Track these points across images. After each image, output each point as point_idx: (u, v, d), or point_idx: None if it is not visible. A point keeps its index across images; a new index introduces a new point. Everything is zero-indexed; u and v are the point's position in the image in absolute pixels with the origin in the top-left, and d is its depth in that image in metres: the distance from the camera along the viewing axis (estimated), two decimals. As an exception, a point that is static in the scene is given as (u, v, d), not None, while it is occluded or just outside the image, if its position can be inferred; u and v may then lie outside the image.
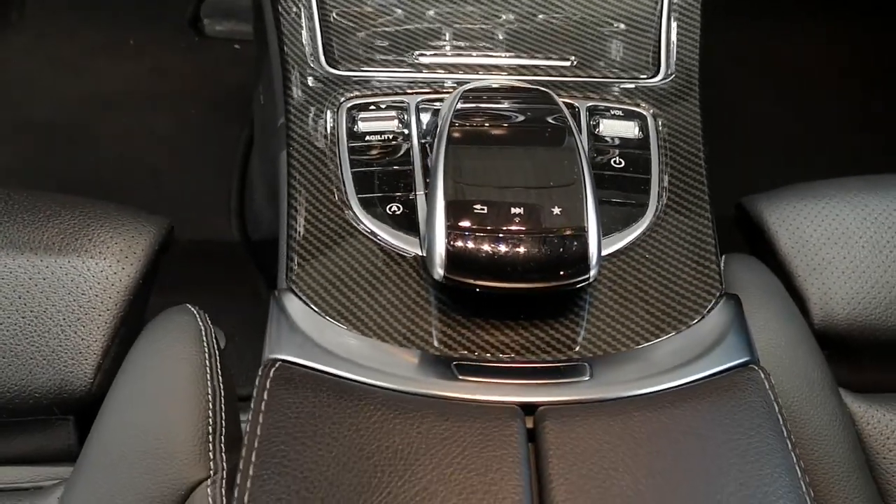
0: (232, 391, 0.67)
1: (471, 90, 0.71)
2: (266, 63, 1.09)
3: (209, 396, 0.64)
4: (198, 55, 1.56)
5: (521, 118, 0.69)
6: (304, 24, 0.80)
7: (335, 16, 0.80)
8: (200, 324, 0.70)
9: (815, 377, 0.72)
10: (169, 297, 0.78)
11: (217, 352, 0.68)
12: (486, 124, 0.68)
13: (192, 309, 0.72)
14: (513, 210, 0.61)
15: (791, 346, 0.73)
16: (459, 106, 0.68)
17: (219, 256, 1.33)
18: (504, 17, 0.80)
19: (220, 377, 0.66)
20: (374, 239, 0.67)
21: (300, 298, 0.64)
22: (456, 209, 0.61)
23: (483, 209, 0.61)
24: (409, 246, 0.66)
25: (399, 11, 0.81)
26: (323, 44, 0.80)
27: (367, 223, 0.68)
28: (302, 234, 0.68)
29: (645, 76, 0.80)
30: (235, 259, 1.34)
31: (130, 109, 1.47)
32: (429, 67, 0.79)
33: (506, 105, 0.70)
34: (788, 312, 0.75)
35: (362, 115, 0.74)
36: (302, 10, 0.81)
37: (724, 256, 0.74)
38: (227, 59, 1.56)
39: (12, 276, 0.73)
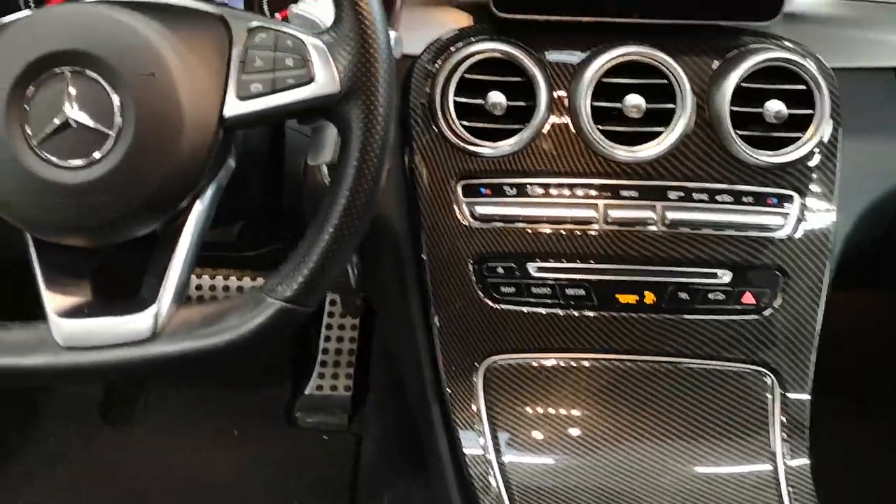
0: None
1: None
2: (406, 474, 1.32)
3: None
4: (292, 443, 1.78)
5: None
6: (480, 442, 1.04)
7: (505, 439, 1.05)
8: None
9: None
10: None
11: None
12: None
13: None
14: None
15: None
16: None
17: None
18: None
19: None
20: None
21: None
22: None
23: None
24: None
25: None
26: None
27: None
28: None
29: None
30: None
31: (236, 493, 1.66)
32: None
33: None
34: None
35: None
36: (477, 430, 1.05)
37: None
38: (317, 447, 1.78)
39: None
